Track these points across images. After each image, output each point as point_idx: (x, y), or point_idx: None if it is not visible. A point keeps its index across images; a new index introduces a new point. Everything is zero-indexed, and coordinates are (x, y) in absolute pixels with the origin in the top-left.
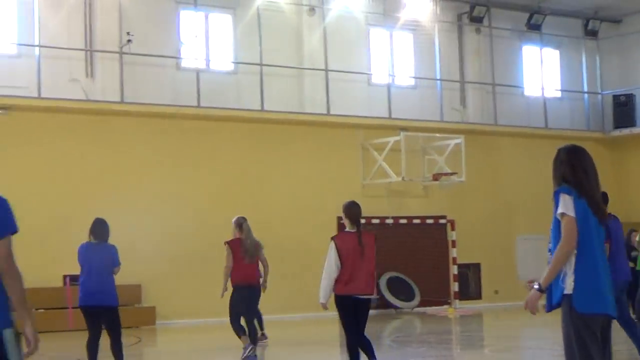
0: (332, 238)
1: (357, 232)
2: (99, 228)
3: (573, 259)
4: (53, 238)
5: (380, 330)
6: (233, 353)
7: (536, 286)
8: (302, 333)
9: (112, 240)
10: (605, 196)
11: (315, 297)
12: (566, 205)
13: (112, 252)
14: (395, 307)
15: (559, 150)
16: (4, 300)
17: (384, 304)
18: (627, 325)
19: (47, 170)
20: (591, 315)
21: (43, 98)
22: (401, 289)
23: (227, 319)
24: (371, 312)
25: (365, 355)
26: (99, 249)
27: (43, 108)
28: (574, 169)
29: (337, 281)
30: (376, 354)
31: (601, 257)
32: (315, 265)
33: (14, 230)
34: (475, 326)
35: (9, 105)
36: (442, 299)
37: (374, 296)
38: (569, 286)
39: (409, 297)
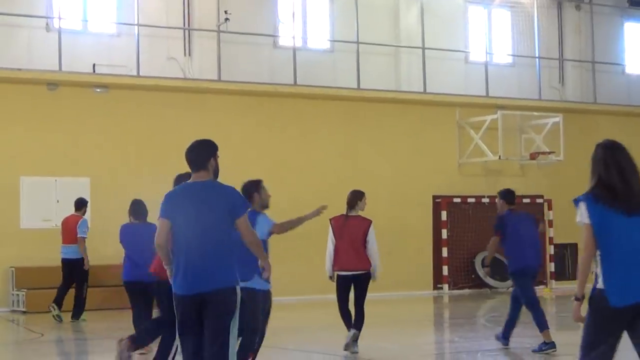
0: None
1: (345, 215)
2: (137, 208)
3: (599, 260)
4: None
5: (475, 310)
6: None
7: (574, 298)
8: (398, 310)
9: None
10: None
11: (406, 276)
12: (581, 213)
13: (153, 229)
14: (490, 287)
15: (596, 147)
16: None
17: (478, 284)
18: None
19: (145, 148)
20: (623, 307)
21: (142, 76)
22: (496, 269)
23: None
24: (466, 291)
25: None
26: (139, 228)
27: (142, 86)
28: (607, 168)
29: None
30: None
31: (632, 252)
32: (411, 243)
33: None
34: (571, 307)
35: (108, 83)
36: (539, 279)
37: (360, 272)
38: (600, 285)
39: (504, 276)
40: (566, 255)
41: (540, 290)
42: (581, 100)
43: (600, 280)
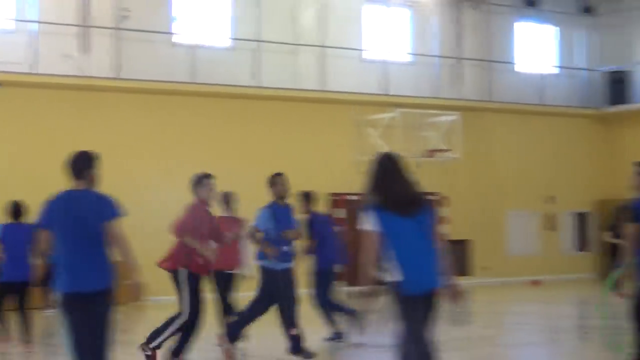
0: None
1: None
2: (15, 209)
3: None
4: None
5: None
6: None
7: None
8: None
9: None
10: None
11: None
12: (370, 220)
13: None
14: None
15: (375, 159)
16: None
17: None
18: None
19: (40, 146)
20: (419, 295)
21: (37, 74)
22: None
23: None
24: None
25: None
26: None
27: (37, 84)
28: (387, 178)
29: None
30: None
31: (417, 248)
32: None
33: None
34: (465, 302)
35: (3, 80)
36: None
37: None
38: (396, 278)
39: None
40: (460, 252)
41: None
42: (478, 98)
43: (393, 274)
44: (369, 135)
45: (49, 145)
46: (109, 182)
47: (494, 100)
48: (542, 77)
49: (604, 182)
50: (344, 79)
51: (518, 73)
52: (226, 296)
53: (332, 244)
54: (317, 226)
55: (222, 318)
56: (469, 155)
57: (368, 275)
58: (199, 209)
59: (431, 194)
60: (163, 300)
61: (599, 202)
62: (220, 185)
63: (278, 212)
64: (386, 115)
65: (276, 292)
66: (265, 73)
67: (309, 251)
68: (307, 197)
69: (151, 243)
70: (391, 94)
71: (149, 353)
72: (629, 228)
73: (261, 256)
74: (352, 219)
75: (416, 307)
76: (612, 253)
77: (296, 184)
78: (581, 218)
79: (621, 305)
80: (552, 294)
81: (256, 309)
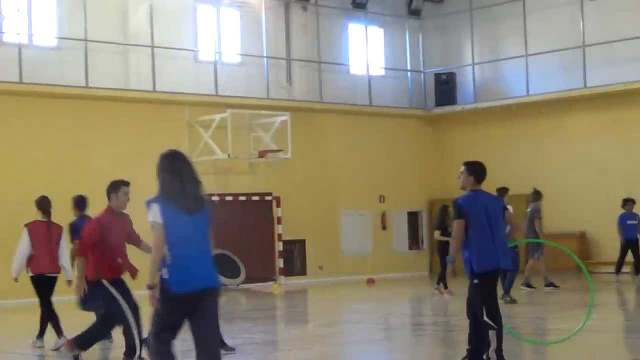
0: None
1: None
2: None
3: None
4: None
5: None
6: None
7: (146, 286)
8: None
9: None
10: None
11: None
12: (154, 214)
13: None
14: (221, 285)
15: (160, 156)
16: None
17: None
18: None
19: None
20: (184, 294)
21: None
22: (227, 266)
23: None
24: None
25: None
26: None
27: None
28: (171, 174)
29: None
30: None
31: (193, 246)
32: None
33: None
34: (300, 302)
35: None
36: (268, 276)
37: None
38: (165, 275)
39: (234, 274)
40: (294, 252)
41: (269, 287)
42: (308, 99)
43: (165, 270)
44: (201, 136)
45: None
46: None
47: (324, 101)
48: (371, 78)
49: (434, 182)
50: (176, 80)
51: (348, 74)
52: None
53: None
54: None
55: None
56: (301, 155)
57: (154, 272)
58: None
59: (265, 194)
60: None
61: (430, 202)
62: (52, 185)
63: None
64: (217, 116)
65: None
66: (94, 73)
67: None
68: (78, 202)
69: None
70: (222, 94)
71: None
72: (455, 224)
73: None
74: None
75: (178, 306)
76: (440, 251)
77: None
78: (413, 217)
79: (452, 302)
80: (385, 292)
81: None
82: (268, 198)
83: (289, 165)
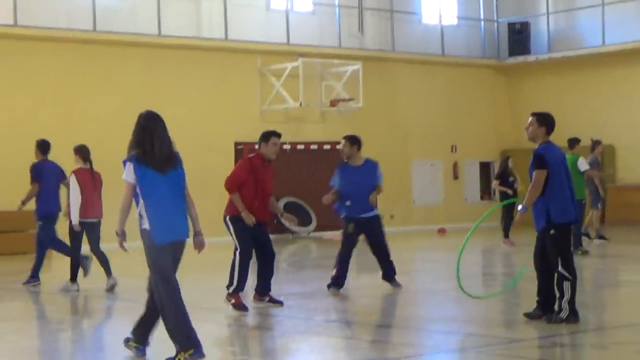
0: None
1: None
2: None
3: (144, 207)
4: None
5: (277, 254)
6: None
7: (116, 232)
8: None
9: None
10: None
11: (210, 222)
12: (128, 173)
13: None
14: (292, 232)
15: (138, 117)
16: None
17: (281, 229)
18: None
19: None
20: (165, 244)
21: None
22: (298, 214)
23: None
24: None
25: None
26: None
27: None
28: (146, 135)
29: None
30: None
31: (169, 201)
32: (214, 189)
33: None
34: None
35: None
36: (339, 225)
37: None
38: (146, 226)
39: (306, 221)
40: None
41: (340, 235)
42: (380, 48)
43: (146, 223)
44: (272, 84)
45: None
46: (8, 129)
47: (396, 50)
48: (444, 27)
49: (506, 132)
50: (248, 28)
51: (420, 24)
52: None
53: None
54: (41, 173)
55: None
56: (373, 104)
57: (121, 220)
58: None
59: (336, 142)
60: None
61: (502, 152)
62: (125, 134)
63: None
64: (289, 65)
65: None
66: (167, 21)
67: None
68: (41, 146)
69: None
70: (294, 43)
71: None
72: (536, 174)
73: None
74: None
75: (163, 254)
76: (501, 201)
77: (201, 133)
78: (485, 167)
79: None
80: (456, 242)
81: None
82: (339, 147)
83: (360, 114)
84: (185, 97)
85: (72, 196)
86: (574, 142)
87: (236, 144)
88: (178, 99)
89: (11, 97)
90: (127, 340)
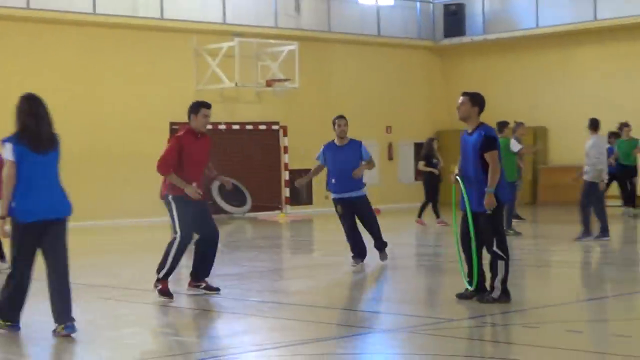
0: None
1: None
2: None
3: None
4: None
5: None
6: None
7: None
8: (134, 237)
9: None
10: None
11: (150, 201)
12: (7, 152)
13: None
14: (227, 213)
15: (20, 98)
16: None
17: (216, 210)
18: None
19: None
20: (29, 223)
21: None
22: (233, 195)
23: None
24: None
25: None
26: None
27: None
28: (27, 116)
29: None
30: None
31: (41, 181)
32: (148, 170)
33: None
34: (306, 231)
35: None
36: (274, 205)
37: None
38: (14, 205)
39: (241, 202)
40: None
41: (275, 216)
42: (316, 28)
43: (13, 202)
44: (208, 64)
45: None
46: None
47: (332, 30)
48: (380, 8)
49: (441, 113)
50: (184, 8)
51: (356, 4)
52: None
53: None
54: None
55: None
56: (308, 84)
57: (6, 203)
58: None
59: (272, 123)
60: None
61: (437, 133)
62: (58, 114)
63: None
64: (225, 45)
65: None
66: (103, 0)
67: None
68: None
69: None
70: (230, 22)
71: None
72: (493, 156)
73: None
74: None
75: (28, 234)
76: (426, 182)
77: (136, 112)
78: (419, 148)
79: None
80: (390, 222)
81: None
82: (275, 127)
83: (296, 94)
84: (121, 76)
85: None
86: (503, 125)
87: (171, 123)
88: (113, 78)
89: None
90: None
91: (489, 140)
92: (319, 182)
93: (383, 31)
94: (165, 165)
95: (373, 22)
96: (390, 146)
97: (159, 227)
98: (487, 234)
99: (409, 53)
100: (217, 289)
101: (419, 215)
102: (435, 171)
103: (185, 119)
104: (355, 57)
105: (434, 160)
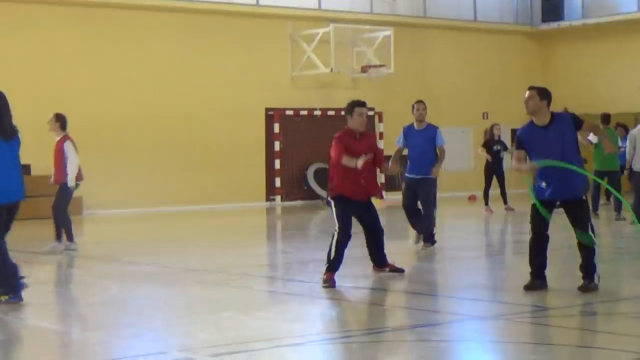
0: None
1: None
2: None
3: None
4: None
5: (307, 221)
6: (162, 243)
7: None
8: (230, 222)
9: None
10: None
11: (238, 188)
12: None
13: None
14: (322, 198)
15: None
16: None
17: (311, 195)
18: None
19: None
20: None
21: None
22: (327, 180)
23: (154, 209)
24: (298, 202)
25: None
26: None
27: None
28: None
29: None
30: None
31: (10, 164)
32: (244, 155)
33: None
34: (401, 217)
35: None
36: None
37: None
38: None
39: None
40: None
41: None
42: (412, 14)
43: None
44: (303, 50)
45: None
46: (45, 93)
47: (428, 16)
48: None
49: None
50: None
51: None
52: None
53: None
54: None
55: None
56: (404, 70)
57: None
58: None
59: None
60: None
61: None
62: (155, 99)
63: None
64: (320, 30)
65: None
66: None
67: None
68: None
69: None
70: (325, 8)
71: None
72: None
73: None
74: (286, 133)
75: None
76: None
77: (232, 99)
78: (516, 134)
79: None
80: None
81: None
82: (370, 113)
83: (391, 80)
84: (216, 63)
85: (72, 160)
86: (607, 117)
87: (267, 110)
88: (209, 65)
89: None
90: None
91: (577, 117)
92: None
93: (479, 16)
94: (338, 156)
95: (469, 7)
96: (486, 132)
97: (253, 211)
98: (585, 220)
99: (505, 38)
100: (402, 270)
101: (486, 204)
102: (489, 157)
103: (280, 105)
104: (451, 42)
105: (496, 147)
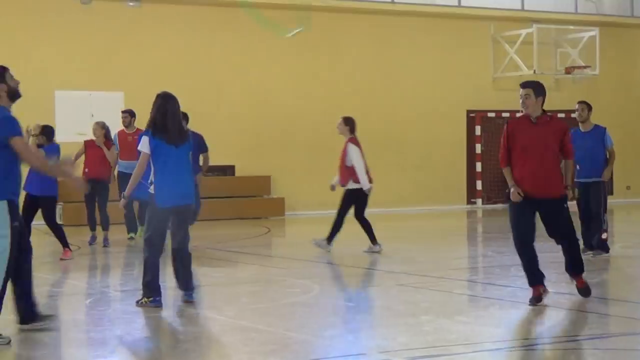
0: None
1: None
2: None
3: (154, 174)
4: None
5: (508, 224)
6: (357, 244)
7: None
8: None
9: (224, 131)
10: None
11: (438, 191)
12: (143, 144)
13: None
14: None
15: (157, 96)
16: None
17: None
18: None
19: (177, 63)
20: (166, 208)
21: None
22: None
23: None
24: (499, 205)
25: None
26: None
27: (174, 0)
28: (161, 113)
29: None
30: None
31: (173, 169)
32: (445, 157)
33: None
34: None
35: None
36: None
37: None
38: (152, 191)
39: None
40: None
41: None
42: (618, 13)
43: (152, 187)
44: (506, 51)
45: (186, 62)
46: (234, 96)
47: (635, 15)
48: None
49: None
50: None
51: None
52: None
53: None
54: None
55: None
56: (609, 72)
57: (133, 185)
58: None
59: (571, 111)
60: None
61: None
62: (356, 100)
63: None
64: (523, 31)
65: None
66: None
67: None
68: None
69: (289, 155)
70: (528, 9)
71: None
72: None
73: None
74: (488, 136)
75: (163, 217)
76: None
77: (433, 101)
78: None
79: None
80: None
81: None
82: (574, 115)
83: (596, 82)
84: (417, 64)
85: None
86: None
87: (468, 112)
88: (410, 66)
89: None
90: (137, 302)
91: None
92: (628, 171)
93: None
94: (500, 156)
95: None
96: None
97: (453, 214)
98: None
99: None
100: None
101: None
102: None
103: (482, 106)
104: None
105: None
